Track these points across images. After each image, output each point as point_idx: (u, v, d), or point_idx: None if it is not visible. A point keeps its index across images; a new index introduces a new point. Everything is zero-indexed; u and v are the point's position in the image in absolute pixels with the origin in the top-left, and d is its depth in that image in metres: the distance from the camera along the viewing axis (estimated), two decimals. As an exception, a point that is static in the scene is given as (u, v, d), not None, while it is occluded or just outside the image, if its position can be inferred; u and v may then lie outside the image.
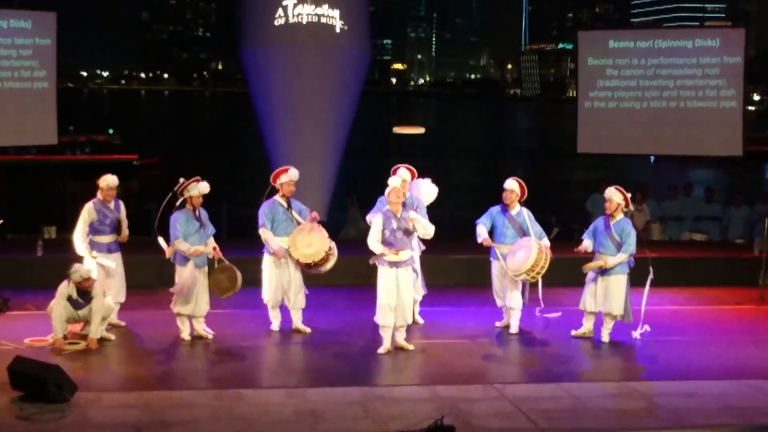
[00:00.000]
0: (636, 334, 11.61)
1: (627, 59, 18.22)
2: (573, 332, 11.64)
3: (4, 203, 31.46)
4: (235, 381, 9.89)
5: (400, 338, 11.02)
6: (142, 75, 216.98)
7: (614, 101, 18.21)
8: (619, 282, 11.33)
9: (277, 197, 11.66)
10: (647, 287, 11.51)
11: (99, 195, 11.72)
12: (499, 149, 64.64)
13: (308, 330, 11.72)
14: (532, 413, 8.91)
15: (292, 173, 11.64)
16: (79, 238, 11.64)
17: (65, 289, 10.80)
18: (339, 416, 8.79)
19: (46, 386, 8.78)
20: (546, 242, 11.47)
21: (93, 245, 11.63)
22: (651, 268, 11.40)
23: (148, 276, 13.28)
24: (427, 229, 10.78)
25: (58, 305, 10.75)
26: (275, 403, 9.09)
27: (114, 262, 11.70)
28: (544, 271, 11.22)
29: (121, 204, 11.94)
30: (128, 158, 40.40)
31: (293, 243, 11.41)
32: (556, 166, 47.27)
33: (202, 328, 11.42)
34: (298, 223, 11.57)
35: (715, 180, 35.74)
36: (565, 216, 13.20)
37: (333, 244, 11.55)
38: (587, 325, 11.61)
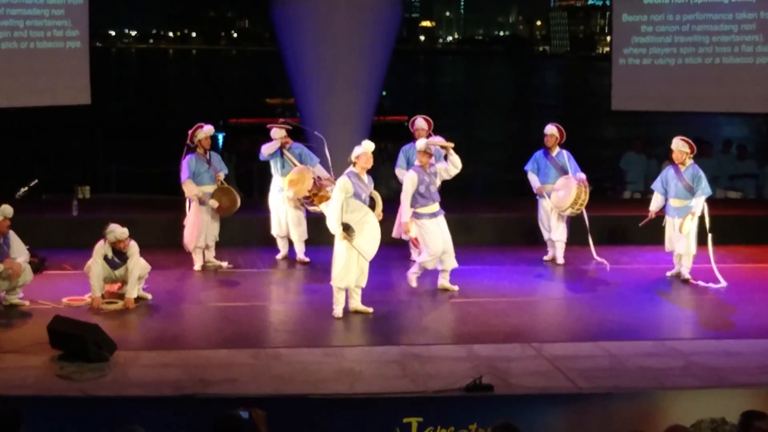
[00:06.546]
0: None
1: (662, 15, 17.91)
2: (668, 273, 12.54)
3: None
4: (272, 340, 9.95)
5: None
6: (170, 34, 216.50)
7: (649, 58, 17.95)
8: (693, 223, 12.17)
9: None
10: None
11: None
12: (527, 107, 64.12)
13: (307, 259, 12.72)
14: (570, 372, 8.89)
15: (274, 131, 12.76)
16: None
17: (101, 248, 10.83)
18: (377, 375, 8.81)
19: (86, 345, 8.83)
20: (582, 176, 12.62)
21: None
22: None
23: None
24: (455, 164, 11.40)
25: (96, 264, 10.79)
26: (313, 362, 9.10)
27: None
28: (585, 204, 12.51)
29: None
30: (399, 119, 39.41)
31: (287, 181, 12.45)
32: (586, 123, 46.84)
33: (213, 256, 12.59)
34: (295, 165, 12.55)
35: (747, 137, 35.30)
36: (598, 174, 13.17)
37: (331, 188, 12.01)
38: (677, 266, 12.49)
